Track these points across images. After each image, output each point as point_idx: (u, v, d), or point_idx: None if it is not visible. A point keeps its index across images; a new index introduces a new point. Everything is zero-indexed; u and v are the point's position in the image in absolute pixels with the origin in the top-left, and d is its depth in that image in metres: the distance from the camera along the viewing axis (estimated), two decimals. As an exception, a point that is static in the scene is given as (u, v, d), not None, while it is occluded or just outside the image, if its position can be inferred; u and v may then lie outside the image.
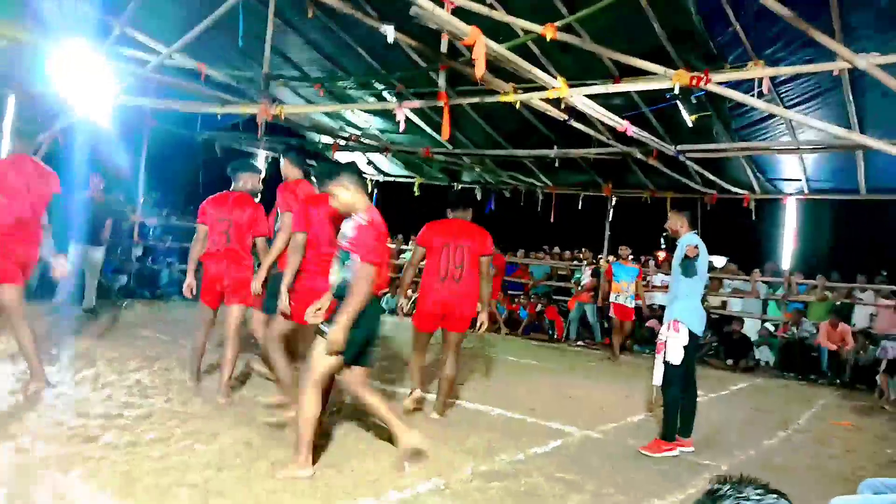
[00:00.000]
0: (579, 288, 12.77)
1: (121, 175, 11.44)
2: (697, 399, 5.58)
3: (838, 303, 11.16)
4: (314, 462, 3.91)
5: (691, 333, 5.26)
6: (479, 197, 14.54)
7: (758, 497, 1.16)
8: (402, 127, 6.99)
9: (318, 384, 3.86)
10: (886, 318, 10.61)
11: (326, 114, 12.12)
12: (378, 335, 4.07)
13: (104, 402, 4.90)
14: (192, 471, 3.67)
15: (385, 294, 4.01)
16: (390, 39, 5.21)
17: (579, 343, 12.24)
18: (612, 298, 10.71)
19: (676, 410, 5.26)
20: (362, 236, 3.82)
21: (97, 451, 3.82)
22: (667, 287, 12.53)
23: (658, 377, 5.32)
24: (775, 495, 1.16)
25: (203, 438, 4.27)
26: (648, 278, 13.03)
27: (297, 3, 8.79)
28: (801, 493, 4.44)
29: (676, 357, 5.22)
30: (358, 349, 3.87)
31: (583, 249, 14.29)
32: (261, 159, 14.76)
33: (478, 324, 5.62)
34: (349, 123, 12.70)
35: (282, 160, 5.45)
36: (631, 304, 10.66)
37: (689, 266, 5.24)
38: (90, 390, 5.19)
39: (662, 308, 12.34)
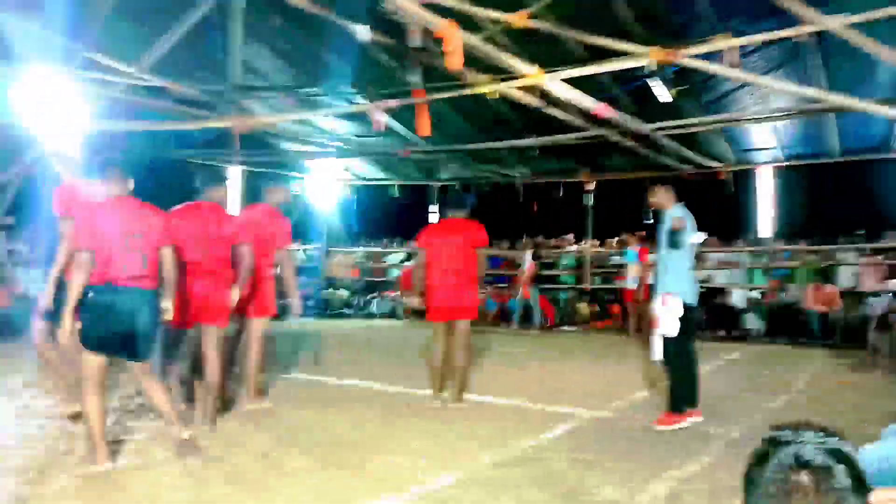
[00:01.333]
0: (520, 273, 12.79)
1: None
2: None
3: (822, 265, 11.34)
4: (330, 465, 3.90)
5: (685, 305, 5.30)
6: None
7: (819, 441, 1.16)
8: (382, 126, 6.97)
9: (88, 382, 3.87)
10: (870, 276, 10.80)
11: (299, 122, 12.04)
12: (126, 326, 3.90)
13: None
14: (201, 491, 3.64)
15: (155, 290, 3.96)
16: (364, 39, 5.19)
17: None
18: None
19: (682, 382, 5.29)
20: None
21: (87, 482, 3.75)
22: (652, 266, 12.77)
23: (657, 352, 5.35)
24: (836, 437, 1.17)
25: (213, 459, 4.22)
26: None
27: (261, 13, 8.76)
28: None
29: (672, 329, 5.24)
30: (98, 341, 3.87)
31: (567, 236, 14.38)
32: (235, 174, 14.66)
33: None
34: (322, 132, 12.65)
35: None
36: (632, 285, 10.90)
37: (676, 238, 5.27)
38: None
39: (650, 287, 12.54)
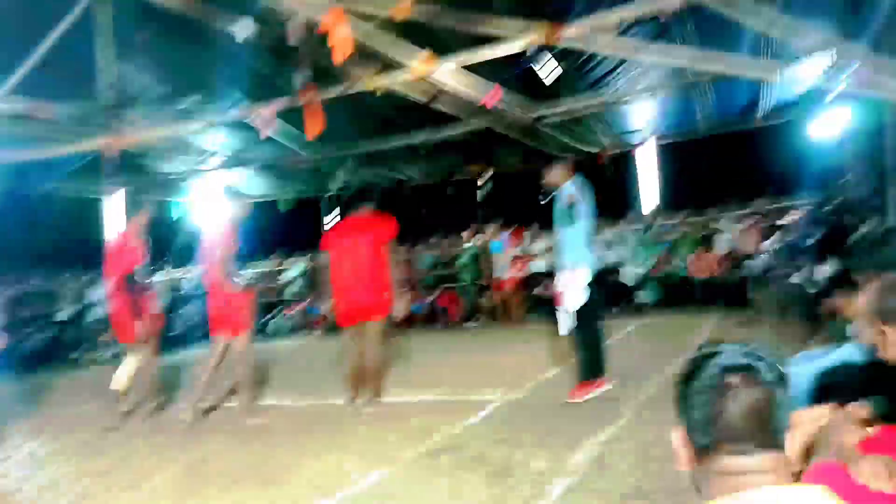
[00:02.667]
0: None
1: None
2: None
3: (701, 234, 12.02)
4: (252, 485, 3.71)
5: (587, 279, 5.42)
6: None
7: (739, 348, 1.23)
8: (268, 131, 6.73)
9: None
10: (747, 240, 11.53)
11: (176, 139, 11.49)
12: None
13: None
14: None
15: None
16: (244, 34, 5.01)
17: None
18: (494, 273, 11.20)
19: (589, 353, 5.41)
20: None
21: None
22: (545, 252, 13.11)
23: (564, 327, 5.45)
24: (752, 345, 1.24)
25: (126, 488, 3.93)
26: (522, 247, 13.43)
27: (130, 25, 8.26)
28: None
29: (577, 302, 5.34)
30: None
31: (467, 230, 14.37)
32: (115, 202, 13.80)
33: (397, 309, 5.68)
34: (201, 150, 12.15)
35: None
36: (505, 274, 11.10)
37: (572, 212, 5.40)
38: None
39: (542, 275, 12.87)
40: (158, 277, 14.92)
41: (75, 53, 8.15)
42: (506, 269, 11.03)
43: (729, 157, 12.97)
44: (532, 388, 6.06)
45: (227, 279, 5.37)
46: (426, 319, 12.74)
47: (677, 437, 1.23)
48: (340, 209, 5.68)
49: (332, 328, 8.99)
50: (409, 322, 12.76)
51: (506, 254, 11.10)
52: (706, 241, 11.84)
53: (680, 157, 12.92)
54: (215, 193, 15.23)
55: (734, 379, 1.16)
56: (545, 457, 3.88)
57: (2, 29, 8.25)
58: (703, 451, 1.18)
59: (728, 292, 10.90)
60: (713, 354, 1.23)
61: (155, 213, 5.89)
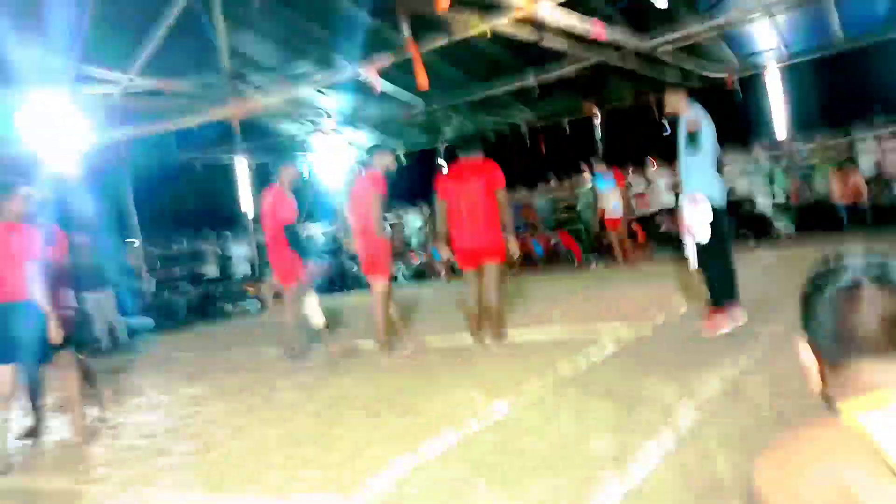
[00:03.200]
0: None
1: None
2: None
3: (842, 158, 11.12)
4: (386, 414, 3.92)
5: (714, 207, 5.20)
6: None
7: (877, 255, 1.13)
8: (379, 87, 6.87)
9: None
10: (893, 158, 10.57)
11: (295, 103, 11.96)
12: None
13: (165, 419, 4.91)
14: (272, 452, 3.68)
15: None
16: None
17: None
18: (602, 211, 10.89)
19: (721, 282, 5.23)
20: None
21: (174, 460, 3.84)
22: (672, 187, 12.63)
23: (693, 260, 5.28)
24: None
25: (274, 423, 4.28)
26: (647, 181, 12.98)
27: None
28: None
29: (704, 234, 5.15)
30: None
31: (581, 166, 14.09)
32: (242, 167, 14.64)
33: (510, 253, 5.76)
34: (319, 109, 12.56)
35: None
36: (616, 213, 10.71)
37: (695, 139, 5.15)
38: (145, 413, 5.21)
39: (671, 210, 12.41)
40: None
41: (195, 29, 8.62)
42: (617, 207, 10.66)
43: (868, 72, 11.78)
44: (660, 323, 5.92)
45: (377, 227, 5.77)
46: (548, 260, 12.71)
47: (806, 352, 1.15)
48: (448, 156, 5.83)
49: (455, 272, 9.16)
50: (532, 264, 12.81)
51: (614, 191, 10.72)
52: (848, 164, 10.93)
53: (813, 75, 11.90)
54: (338, 150, 15.81)
55: (868, 285, 1.08)
56: (675, 388, 3.81)
57: (124, 14, 8.85)
58: (836, 364, 1.10)
59: (877, 216, 10.08)
60: (842, 261, 1.15)
61: (297, 170, 6.25)
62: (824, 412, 1.12)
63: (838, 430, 1.00)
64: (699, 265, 5.27)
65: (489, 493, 2.70)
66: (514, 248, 5.83)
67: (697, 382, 3.85)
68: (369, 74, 7.05)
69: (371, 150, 6.14)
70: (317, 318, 6.31)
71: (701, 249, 5.18)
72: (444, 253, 6.01)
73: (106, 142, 9.11)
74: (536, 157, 13.78)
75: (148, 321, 11.50)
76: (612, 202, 10.70)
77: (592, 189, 12.30)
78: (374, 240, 5.86)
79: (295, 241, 6.02)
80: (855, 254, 1.14)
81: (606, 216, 10.86)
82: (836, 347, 1.09)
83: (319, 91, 11.86)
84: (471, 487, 2.78)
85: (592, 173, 11.62)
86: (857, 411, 1.01)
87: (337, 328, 7.53)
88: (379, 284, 5.88)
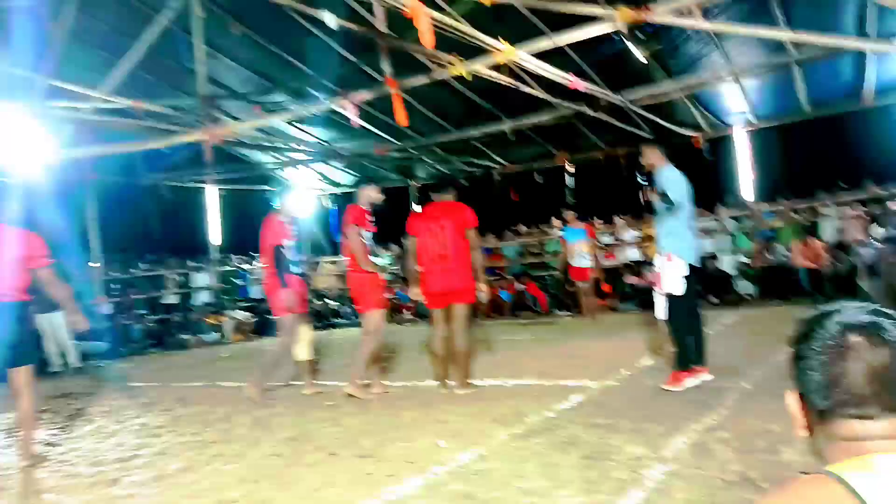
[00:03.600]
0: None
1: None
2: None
3: (805, 222, 11.42)
4: (348, 457, 3.80)
5: (689, 264, 5.26)
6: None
7: (860, 306, 1.13)
8: (355, 121, 6.89)
9: None
10: (854, 227, 10.88)
11: (268, 133, 11.92)
12: None
13: (116, 448, 4.70)
14: (228, 488, 3.53)
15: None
16: (332, 25, 5.12)
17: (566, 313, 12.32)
18: (570, 262, 10.97)
19: (686, 340, 5.23)
20: None
21: (123, 491, 3.65)
22: (637, 241, 12.82)
23: (660, 311, 5.31)
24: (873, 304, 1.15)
25: (230, 459, 4.12)
26: (615, 235, 13.16)
27: (220, 24, 8.63)
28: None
29: (678, 288, 5.20)
30: None
31: (552, 220, 14.28)
32: (211, 193, 14.46)
33: (479, 294, 5.76)
34: (294, 140, 12.54)
35: None
36: (585, 263, 10.81)
37: (667, 198, 5.22)
38: (96, 441, 4.98)
39: (638, 263, 12.58)
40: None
41: (173, 52, 8.58)
42: (583, 259, 10.76)
43: (832, 142, 12.21)
44: (626, 376, 5.93)
45: (362, 261, 5.70)
46: (514, 308, 12.72)
47: (793, 402, 1.14)
48: (420, 197, 6.00)
49: (422, 314, 9.06)
50: (498, 311, 12.82)
51: (583, 243, 10.84)
52: (810, 229, 11.23)
53: (780, 141, 12.28)
54: (304, 186, 15.74)
55: (857, 337, 1.07)
56: (642, 442, 3.78)
57: (103, 32, 8.79)
58: (822, 415, 1.09)
59: (835, 282, 10.32)
60: (833, 312, 1.14)
61: (298, 200, 6.17)
62: (811, 466, 1.11)
63: (827, 489, 0.98)
64: (668, 320, 5.29)
65: (453, 544, 2.60)
66: (484, 290, 5.82)
67: (664, 438, 3.82)
68: (347, 108, 7.05)
69: (358, 185, 6.18)
70: (302, 353, 6.17)
71: (671, 305, 5.21)
72: (413, 293, 5.99)
73: (72, 158, 8.93)
74: (507, 203, 13.88)
75: (102, 346, 11.14)
76: (581, 254, 10.79)
77: (561, 240, 12.41)
78: (361, 274, 5.78)
79: (279, 265, 5.86)
80: (845, 307, 1.13)
81: (574, 266, 10.94)
82: (823, 399, 1.08)
83: (294, 125, 11.87)
84: (434, 537, 2.68)
85: (564, 225, 11.73)
86: (846, 472, 0.99)
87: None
88: (371, 319, 5.78)
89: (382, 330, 5.91)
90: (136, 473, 3.98)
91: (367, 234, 5.86)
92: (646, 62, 6.52)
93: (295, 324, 5.96)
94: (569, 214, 11.22)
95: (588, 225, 11.33)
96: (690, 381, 5.13)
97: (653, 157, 5.43)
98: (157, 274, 13.76)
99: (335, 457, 3.99)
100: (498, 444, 3.99)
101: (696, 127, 11.68)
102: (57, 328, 9.31)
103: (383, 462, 3.80)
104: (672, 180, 5.27)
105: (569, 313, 12.24)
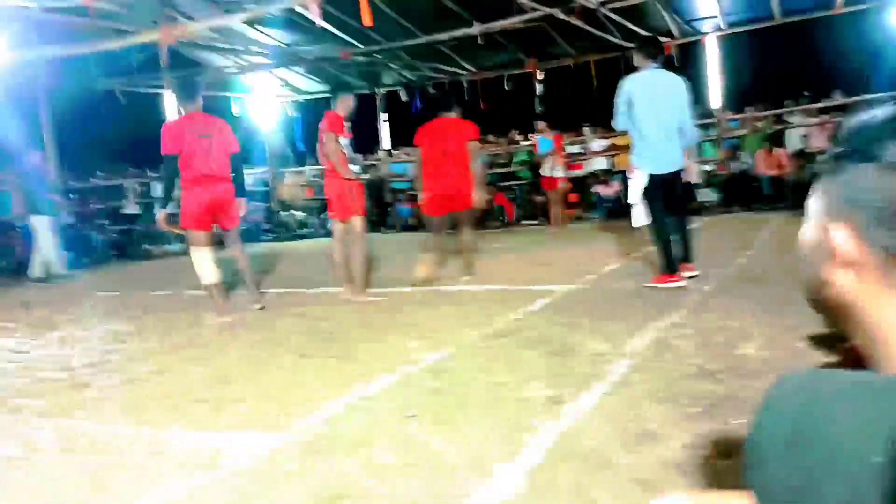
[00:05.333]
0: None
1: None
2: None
3: (771, 130, 11.49)
4: (319, 356, 3.85)
5: (651, 175, 5.32)
6: (403, 98, 14.20)
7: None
8: (319, 20, 6.61)
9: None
10: (819, 136, 11.00)
11: (225, 36, 11.41)
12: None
13: (84, 353, 4.69)
14: (200, 389, 3.57)
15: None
16: None
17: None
18: (541, 172, 11.04)
19: (662, 245, 5.34)
20: None
21: (95, 393, 3.67)
22: (605, 151, 12.86)
23: (634, 219, 5.50)
24: None
25: (200, 363, 4.15)
26: (585, 146, 13.15)
27: None
28: (782, 291, 4.66)
29: (634, 197, 5.44)
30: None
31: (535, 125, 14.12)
32: (168, 99, 13.95)
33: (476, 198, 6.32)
34: (255, 43, 12.04)
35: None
36: (556, 174, 10.88)
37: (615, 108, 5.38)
38: (63, 348, 4.96)
39: (605, 172, 12.64)
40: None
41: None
42: (555, 169, 10.83)
43: (801, 49, 12.16)
44: (592, 280, 6.05)
45: (341, 168, 5.66)
46: (481, 218, 12.77)
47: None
48: (428, 110, 6.26)
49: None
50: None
51: (552, 154, 10.86)
52: (775, 138, 11.32)
53: (750, 47, 12.20)
54: (267, 93, 15.26)
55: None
56: (605, 339, 3.89)
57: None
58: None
59: (795, 191, 10.51)
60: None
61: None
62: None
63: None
64: (648, 226, 5.44)
65: (423, 433, 2.68)
66: (483, 196, 6.39)
67: (627, 336, 3.94)
68: (310, 7, 6.74)
69: (334, 93, 6.03)
70: (210, 276, 5.63)
71: (648, 216, 5.36)
72: (421, 197, 6.56)
73: (21, 62, 8.47)
74: (475, 111, 13.67)
75: (64, 256, 10.95)
76: (550, 164, 10.84)
77: (531, 150, 12.38)
78: (341, 181, 5.76)
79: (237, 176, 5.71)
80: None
81: (544, 176, 10.99)
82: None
83: (254, 26, 11.37)
84: (404, 427, 2.76)
85: (531, 134, 11.73)
86: None
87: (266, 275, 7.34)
88: (355, 225, 5.84)
89: (366, 235, 5.99)
90: (106, 377, 3.99)
91: (344, 142, 5.77)
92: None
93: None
94: (541, 124, 11.18)
95: (557, 136, 11.27)
96: (676, 283, 5.26)
97: (635, 61, 5.48)
98: (117, 184, 13.41)
99: (306, 358, 4.04)
100: (467, 344, 4.07)
101: (668, 33, 11.49)
102: (41, 234, 9.15)
103: (355, 363, 3.86)
104: (619, 90, 5.34)
105: (535, 222, 12.35)
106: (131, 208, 13.52)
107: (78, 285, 8.78)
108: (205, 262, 5.45)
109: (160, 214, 5.98)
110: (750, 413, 0.66)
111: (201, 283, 5.58)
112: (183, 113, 5.66)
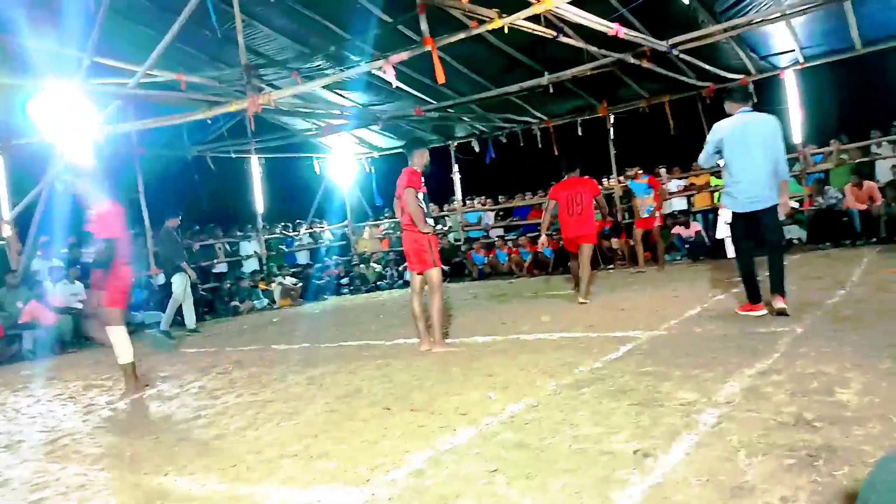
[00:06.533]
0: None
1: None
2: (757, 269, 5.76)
3: (857, 162, 11.03)
4: (400, 411, 3.89)
5: (734, 213, 5.65)
6: (476, 149, 14.42)
7: None
8: (394, 82, 6.86)
9: None
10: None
11: (306, 99, 11.95)
12: None
13: (178, 409, 4.89)
14: (289, 443, 3.66)
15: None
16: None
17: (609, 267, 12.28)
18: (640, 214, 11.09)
19: (745, 277, 5.69)
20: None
21: (187, 449, 3.81)
22: (682, 191, 12.67)
23: (728, 251, 5.93)
24: None
25: (288, 416, 4.26)
26: (664, 186, 12.95)
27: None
28: (879, 333, 4.42)
29: (720, 232, 6.09)
30: None
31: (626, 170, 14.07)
32: (254, 163, 14.64)
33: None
34: (332, 105, 12.55)
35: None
36: (650, 214, 10.85)
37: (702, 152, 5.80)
38: (157, 405, 5.19)
39: (682, 213, 12.40)
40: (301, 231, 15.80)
41: (209, 24, 8.60)
42: (650, 210, 10.81)
43: (884, 78, 11.67)
44: (676, 324, 5.90)
45: (418, 222, 5.83)
46: (556, 264, 12.68)
47: None
48: (566, 169, 7.52)
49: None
50: (542, 267, 12.81)
51: (649, 197, 10.84)
52: (863, 170, 10.85)
53: (830, 80, 11.79)
54: (344, 152, 15.81)
55: None
56: (693, 388, 3.77)
57: (143, 6, 8.84)
58: None
59: (889, 224, 10.00)
60: None
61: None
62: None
63: None
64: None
65: (509, 487, 2.66)
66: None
67: (717, 383, 3.81)
68: (385, 70, 7.02)
69: (409, 148, 6.13)
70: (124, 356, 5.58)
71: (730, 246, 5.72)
72: (544, 240, 8.59)
73: (117, 133, 9.11)
74: (547, 158, 13.72)
75: (157, 315, 11.49)
76: (646, 207, 10.90)
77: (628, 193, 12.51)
78: (418, 234, 5.92)
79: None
80: None
81: (642, 218, 11.07)
82: None
83: (333, 90, 11.88)
84: (490, 482, 2.74)
85: (629, 180, 11.85)
86: None
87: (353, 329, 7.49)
88: (432, 277, 5.96)
89: (442, 286, 6.12)
90: (199, 432, 4.15)
91: (421, 197, 5.92)
92: (688, 3, 6.31)
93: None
94: (633, 170, 11.41)
95: (651, 177, 11.25)
96: (754, 313, 5.66)
97: (726, 108, 5.73)
98: (207, 244, 14.08)
99: (389, 411, 4.09)
100: (548, 395, 4.02)
101: (743, 70, 11.30)
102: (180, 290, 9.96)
103: (436, 415, 3.88)
104: (711, 133, 5.73)
105: (610, 267, 12.19)
106: (220, 267, 14.14)
107: (171, 343, 9.18)
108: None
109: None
110: (850, 463, 0.67)
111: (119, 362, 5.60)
112: None
